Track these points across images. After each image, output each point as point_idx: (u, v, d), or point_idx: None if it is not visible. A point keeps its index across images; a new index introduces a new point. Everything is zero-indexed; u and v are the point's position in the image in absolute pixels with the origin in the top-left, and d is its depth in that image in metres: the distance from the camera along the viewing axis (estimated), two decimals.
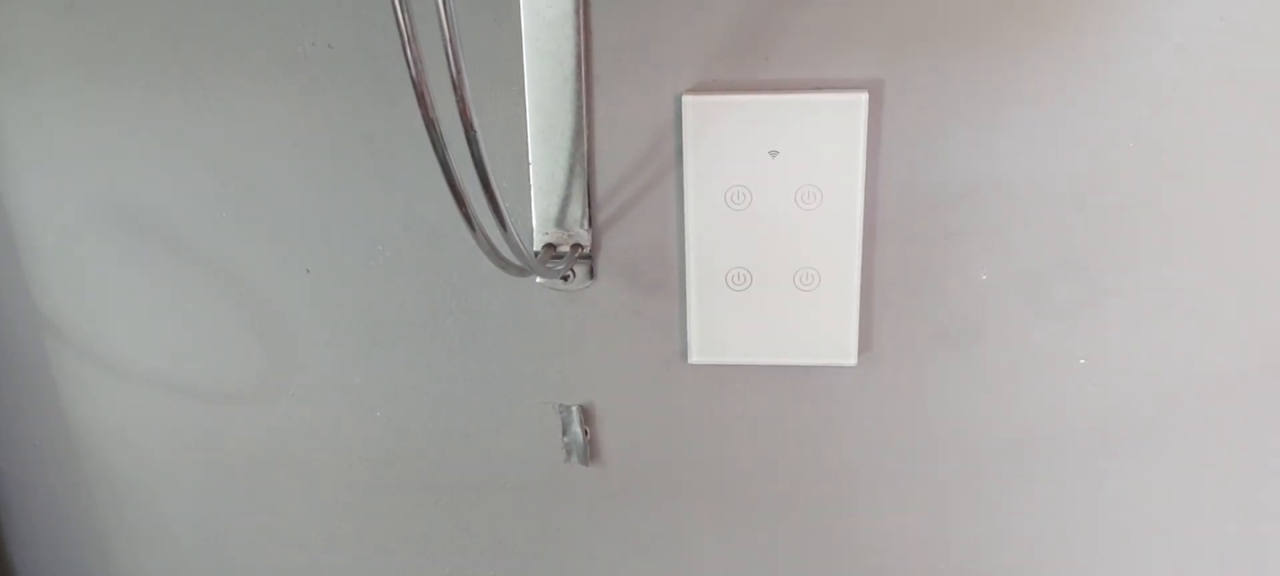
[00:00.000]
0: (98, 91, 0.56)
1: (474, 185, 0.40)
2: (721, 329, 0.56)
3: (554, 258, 0.55)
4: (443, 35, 0.35)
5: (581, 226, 0.55)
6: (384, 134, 0.55)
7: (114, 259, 0.60)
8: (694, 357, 0.57)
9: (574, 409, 0.60)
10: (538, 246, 0.56)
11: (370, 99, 0.54)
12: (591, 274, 0.56)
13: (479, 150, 0.36)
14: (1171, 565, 0.60)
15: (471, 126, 0.35)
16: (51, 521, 0.70)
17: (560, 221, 0.55)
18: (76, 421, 0.66)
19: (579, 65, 0.51)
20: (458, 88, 0.34)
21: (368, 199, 0.56)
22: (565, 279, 0.56)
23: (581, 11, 0.50)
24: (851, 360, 0.56)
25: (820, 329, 0.55)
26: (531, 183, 0.54)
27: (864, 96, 0.50)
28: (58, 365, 0.64)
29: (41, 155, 0.58)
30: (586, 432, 0.60)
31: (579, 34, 0.51)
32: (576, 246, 0.55)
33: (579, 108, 0.52)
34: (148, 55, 0.55)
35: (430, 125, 0.35)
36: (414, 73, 0.34)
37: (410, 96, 0.53)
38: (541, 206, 0.55)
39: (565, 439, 0.61)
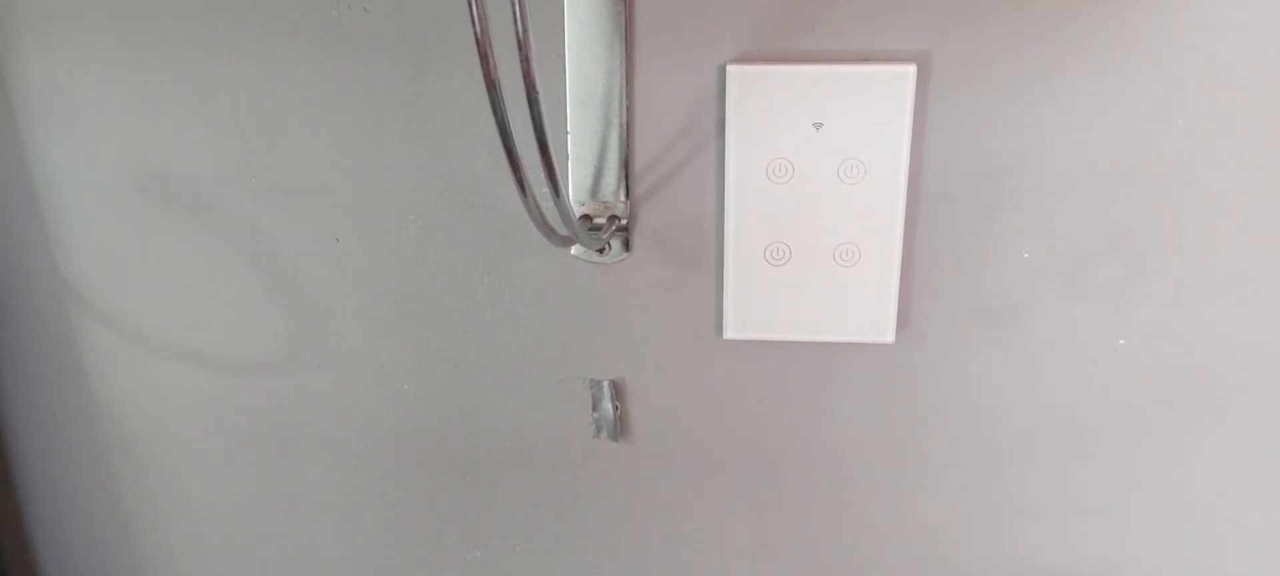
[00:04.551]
0: (126, 55, 0.55)
1: (526, 151, 0.39)
2: (758, 304, 0.55)
3: (591, 229, 0.54)
4: None
5: (618, 198, 0.54)
6: (418, 100, 0.54)
7: (140, 226, 0.59)
8: (729, 333, 0.56)
9: (605, 383, 0.59)
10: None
11: (405, 64, 0.53)
12: (627, 246, 0.56)
13: (539, 112, 0.36)
14: (1210, 553, 0.60)
15: (534, 87, 0.34)
16: (72, 491, 0.69)
17: (596, 192, 0.54)
18: (99, 390, 0.65)
19: (620, 33, 0.51)
20: (522, 46, 0.33)
21: (400, 167, 0.55)
22: (601, 252, 0.55)
23: None
24: (889, 338, 0.55)
25: (859, 306, 0.54)
26: (569, 152, 0.53)
27: (912, 69, 0.49)
28: (82, 333, 0.63)
29: (69, 120, 0.57)
30: (617, 408, 0.60)
31: (621, 1, 0.50)
32: (613, 218, 0.54)
33: (619, 76, 0.51)
34: (178, 18, 0.53)
35: (491, 85, 0.34)
36: (478, 30, 0.32)
37: (445, 61, 0.53)
38: (578, 177, 0.54)
39: (595, 414, 0.60)
